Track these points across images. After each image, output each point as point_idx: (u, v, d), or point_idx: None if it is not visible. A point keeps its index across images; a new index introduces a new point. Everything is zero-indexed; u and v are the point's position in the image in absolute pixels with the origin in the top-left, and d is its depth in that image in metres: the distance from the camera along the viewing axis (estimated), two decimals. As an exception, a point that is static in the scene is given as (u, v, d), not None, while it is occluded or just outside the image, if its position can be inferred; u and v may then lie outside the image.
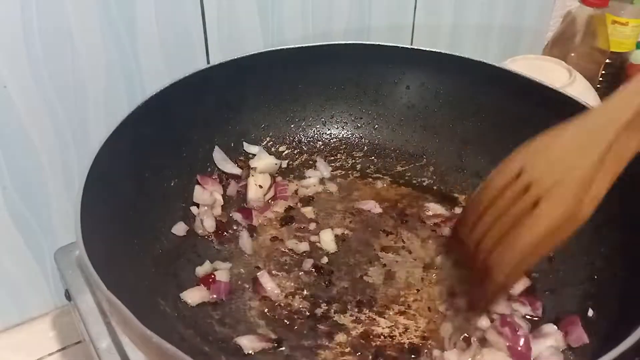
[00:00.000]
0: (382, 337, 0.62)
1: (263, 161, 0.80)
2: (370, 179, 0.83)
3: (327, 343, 0.61)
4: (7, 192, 0.76)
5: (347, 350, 0.61)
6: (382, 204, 0.78)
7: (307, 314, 0.64)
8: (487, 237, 0.58)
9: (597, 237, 0.64)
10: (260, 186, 0.78)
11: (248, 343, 0.61)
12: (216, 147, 0.78)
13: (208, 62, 0.84)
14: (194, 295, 0.64)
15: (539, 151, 0.57)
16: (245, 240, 0.72)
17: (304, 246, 0.72)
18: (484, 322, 0.62)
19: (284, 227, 0.75)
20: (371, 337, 0.62)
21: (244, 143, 0.81)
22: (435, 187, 0.81)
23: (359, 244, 0.73)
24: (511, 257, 0.56)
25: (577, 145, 0.53)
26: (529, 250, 0.55)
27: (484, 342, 0.61)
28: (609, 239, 0.63)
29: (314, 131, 0.86)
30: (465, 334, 0.62)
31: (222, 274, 0.67)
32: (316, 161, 0.84)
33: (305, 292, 0.67)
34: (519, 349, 0.59)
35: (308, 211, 0.77)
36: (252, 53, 0.78)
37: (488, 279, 0.58)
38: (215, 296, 0.65)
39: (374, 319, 0.64)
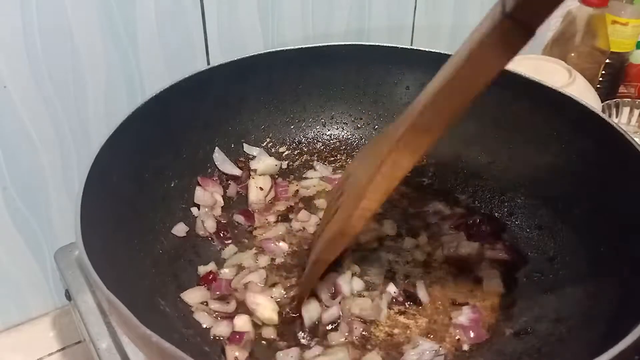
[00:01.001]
0: (382, 336, 0.62)
1: (263, 163, 0.80)
2: (370, 179, 0.82)
3: (327, 341, 0.61)
4: (7, 192, 0.77)
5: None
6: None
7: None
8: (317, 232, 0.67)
9: (597, 237, 0.64)
10: (261, 188, 0.78)
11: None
12: (216, 148, 0.78)
13: (208, 63, 0.84)
14: (194, 295, 0.64)
15: (355, 162, 0.62)
16: (246, 241, 0.73)
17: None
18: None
19: (285, 227, 0.75)
20: (371, 336, 0.62)
21: (244, 144, 0.81)
22: (435, 187, 0.81)
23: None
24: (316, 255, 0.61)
25: (366, 161, 0.57)
26: (323, 254, 0.60)
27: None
28: (609, 238, 0.63)
29: (314, 132, 0.86)
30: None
31: (223, 273, 0.68)
32: (315, 166, 0.84)
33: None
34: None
35: (309, 212, 0.77)
36: (252, 54, 0.78)
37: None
38: (217, 294, 0.65)
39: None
